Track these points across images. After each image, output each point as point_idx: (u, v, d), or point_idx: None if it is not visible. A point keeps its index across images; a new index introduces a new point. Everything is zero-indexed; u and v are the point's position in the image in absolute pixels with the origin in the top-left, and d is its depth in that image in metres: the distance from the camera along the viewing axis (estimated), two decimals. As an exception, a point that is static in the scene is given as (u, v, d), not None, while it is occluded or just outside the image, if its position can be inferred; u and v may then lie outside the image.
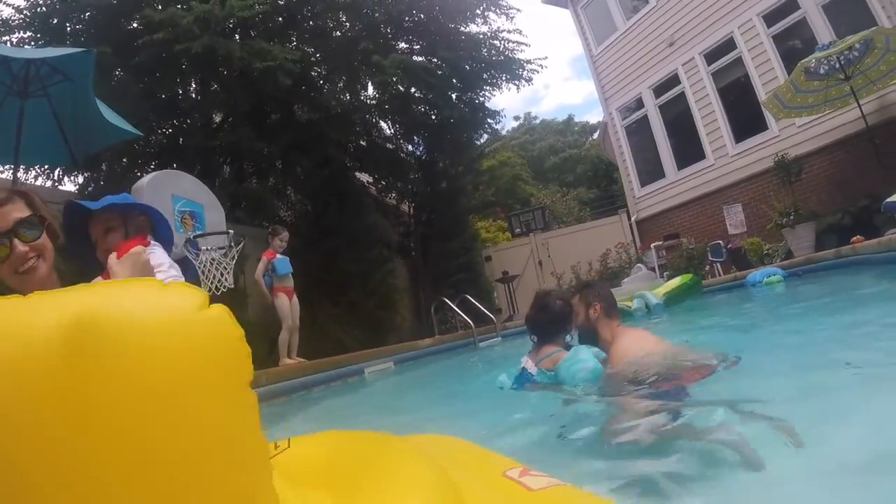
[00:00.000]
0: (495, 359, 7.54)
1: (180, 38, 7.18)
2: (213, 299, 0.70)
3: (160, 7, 7.70)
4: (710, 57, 11.80)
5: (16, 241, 1.57)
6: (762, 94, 10.28)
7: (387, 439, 0.95)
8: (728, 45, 11.43)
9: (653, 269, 10.75)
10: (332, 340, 8.99)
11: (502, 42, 11.67)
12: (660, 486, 1.44)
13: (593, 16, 14.58)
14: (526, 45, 12.05)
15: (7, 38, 7.69)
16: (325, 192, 10.77)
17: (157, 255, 1.70)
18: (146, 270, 1.62)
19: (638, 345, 2.61)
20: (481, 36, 11.73)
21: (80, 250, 1.72)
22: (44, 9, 7.91)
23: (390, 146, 13.52)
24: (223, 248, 5.27)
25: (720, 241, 10.57)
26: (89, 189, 8.50)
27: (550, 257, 14.92)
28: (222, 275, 5.06)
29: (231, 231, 5.18)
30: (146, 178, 4.97)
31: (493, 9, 11.61)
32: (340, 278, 10.02)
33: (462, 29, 11.61)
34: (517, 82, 12.11)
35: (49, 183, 8.76)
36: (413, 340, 9.10)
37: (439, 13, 11.24)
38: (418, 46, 11.71)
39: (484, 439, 2.27)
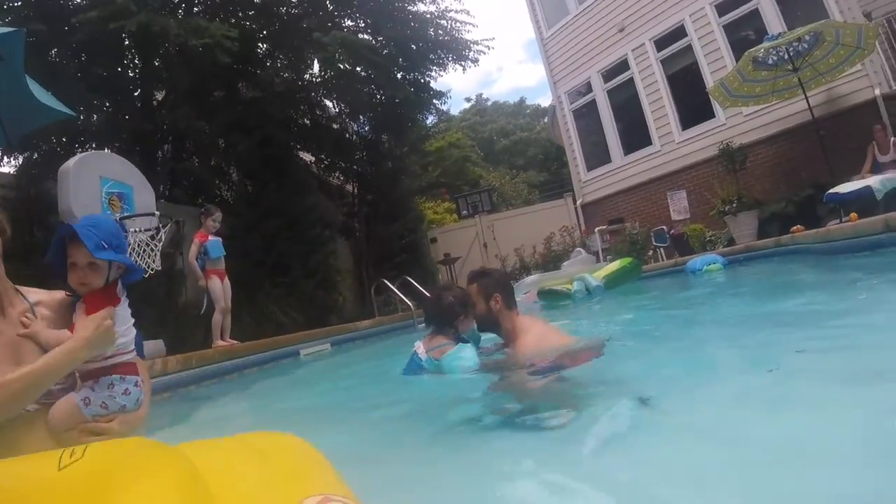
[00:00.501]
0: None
1: (115, 16, 6.96)
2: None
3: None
4: (660, 44, 11.94)
5: None
6: (710, 83, 10.44)
7: (158, 452, 0.92)
8: (678, 32, 11.57)
9: (596, 253, 11.02)
10: (272, 322, 9.00)
11: (450, 22, 11.66)
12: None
13: (546, -2, 14.63)
14: (473, 25, 12.03)
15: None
16: (265, 171, 10.67)
17: (122, 315, 1.71)
18: (108, 337, 1.62)
19: (536, 335, 2.87)
20: (428, 15, 11.68)
21: (61, 271, 1.67)
22: None
23: (335, 126, 13.42)
24: (151, 229, 5.23)
25: (664, 227, 10.80)
26: (33, 172, 8.20)
27: (496, 240, 15.13)
28: (150, 257, 5.02)
29: (157, 213, 5.13)
30: (73, 160, 4.88)
31: (441, -14, 11.63)
32: (280, 259, 10.00)
33: (409, 8, 11.55)
34: (463, 63, 12.15)
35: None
36: (353, 322, 9.19)
37: (387, -9, 11.16)
38: (363, 24, 11.59)
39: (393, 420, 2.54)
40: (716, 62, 10.97)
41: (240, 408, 4.36)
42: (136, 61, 9.61)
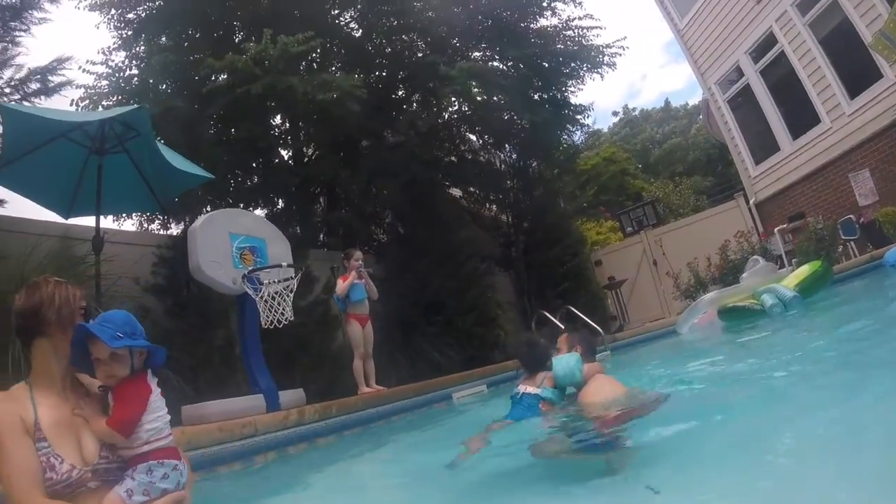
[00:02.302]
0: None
1: (242, 82, 7.39)
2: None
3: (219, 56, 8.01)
4: (804, 6, 10.38)
5: None
6: (868, 37, 8.89)
7: None
8: None
9: (778, 258, 9.61)
10: (428, 363, 8.78)
11: (575, 31, 11.15)
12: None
13: (671, -12, 13.53)
14: (600, 28, 11.38)
15: (101, 104, 8.39)
16: (414, 211, 10.68)
17: (154, 403, 1.82)
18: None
19: (604, 388, 3.11)
20: (551, 29, 11.27)
21: (83, 362, 1.78)
22: (125, 73, 8.70)
23: (481, 158, 13.26)
24: (288, 279, 5.21)
25: (851, 216, 9.21)
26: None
27: (665, 255, 13.74)
28: (282, 307, 4.97)
29: (285, 263, 5.11)
30: (200, 219, 5.06)
31: (558, -2, 11.21)
32: (435, 297, 9.80)
33: (532, 26, 11.24)
34: (599, 70, 11.52)
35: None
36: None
37: (504, 15, 10.96)
38: (489, 53, 11.44)
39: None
40: (868, 12, 9.20)
41: (369, 466, 3.98)
42: (280, 121, 10.24)
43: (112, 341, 1.71)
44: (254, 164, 10.11)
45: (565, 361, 3.25)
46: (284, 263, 5.07)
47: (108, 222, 8.09)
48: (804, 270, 6.90)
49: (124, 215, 8.86)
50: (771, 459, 1.84)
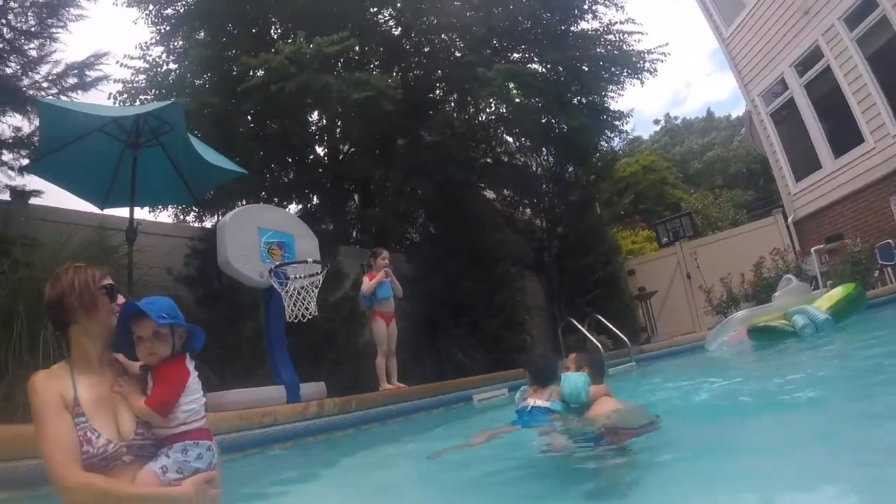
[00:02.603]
0: (626, 388, 6.80)
1: (277, 79, 7.50)
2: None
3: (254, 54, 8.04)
4: (851, 21, 9.97)
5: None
6: None
7: None
8: (869, 4, 9.57)
9: (813, 279, 9.28)
10: (452, 364, 8.80)
11: (616, 35, 11.01)
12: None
13: (717, -4, 13.21)
14: (642, 34, 11.24)
15: (139, 98, 8.63)
16: (446, 212, 10.72)
17: (192, 386, 1.87)
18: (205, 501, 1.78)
19: (607, 406, 3.22)
20: (592, 32, 11.15)
21: (123, 341, 1.86)
22: (162, 68, 8.92)
23: (517, 161, 13.21)
24: (314, 275, 5.31)
25: (890, 241, 8.83)
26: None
27: (699, 268, 13.48)
28: (308, 302, 5.07)
29: (310, 259, 5.20)
30: (229, 214, 5.19)
31: (601, 1, 11.07)
32: (463, 299, 9.82)
33: (572, 28, 11.13)
34: (639, 76, 11.34)
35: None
36: (544, 363, 8.52)
37: (545, 16, 10.87)
38: (529, 55, 11.36)
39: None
40: (920, 29, 8.82)
41: (382, 461, 4.03)
42: (317, 118, 10.38)
43: (158, 318, 1.78)
44: (288, 160, 10.26)
45: (574, 380, 3.29)
46: (310, 259, 5.15)
47: (144, 214, 8.32)
48: (837, 293, 6.74)
49: (161, 207, 9.09)
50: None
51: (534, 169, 13.46)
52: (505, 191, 13.40)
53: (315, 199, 11.50)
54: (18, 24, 6.76)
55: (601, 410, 3.14)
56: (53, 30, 6.84)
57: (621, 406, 3.24)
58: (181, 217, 9.82)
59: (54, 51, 6.78)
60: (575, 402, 3.27)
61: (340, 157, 11.12)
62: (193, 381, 1.88)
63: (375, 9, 10.91)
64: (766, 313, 7.16)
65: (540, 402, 3.37)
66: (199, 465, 1.77)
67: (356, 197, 11.87)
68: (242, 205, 9.14)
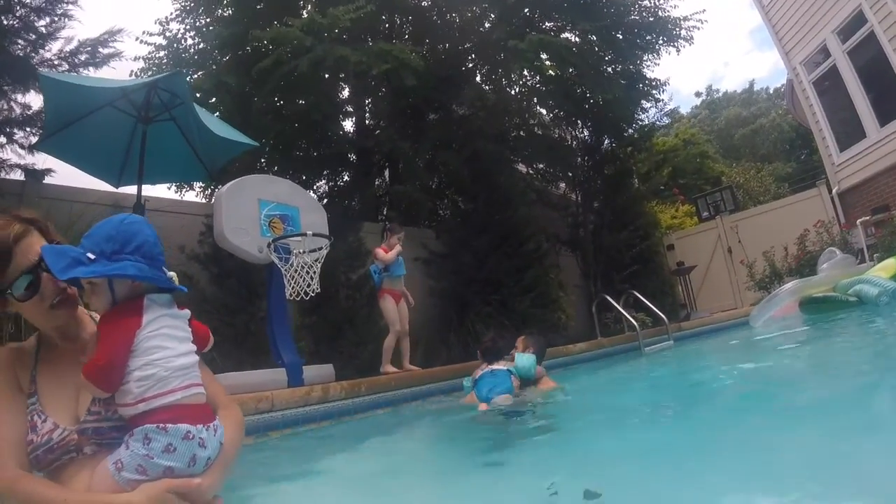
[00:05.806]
0: (658, 368, 6.36)
1: (289, 57, 7.18)
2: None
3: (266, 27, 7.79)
4: None
5: (45, 274, 1.37)
6: None
7: None
8: None
9: (859, 252, 8.80)
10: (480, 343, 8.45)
11: (651, 1, 10.48)
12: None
13: (757, -39, 12.39)
14: (678, -1, 10.52)
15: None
16: (475, 187, 10.31)
17: (151, 341, 1.35)
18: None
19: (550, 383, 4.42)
20: (628, -1, 10.59)
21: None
22: (182, 43, 8.71)
23: (552, 133, 12.68)
24: (317, 250, 5.00)
25: None
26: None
27: (741, 242, 12.86)
28: (311, 279, 4.77)
29: (310, 232, 4.86)
30: (227, 185, 4.89)
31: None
32: (491, 275, 9.43)
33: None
34: (675, 43, 10.80)
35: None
36: (579, 342, 8.09)
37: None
38: (561, 24, 10.80)
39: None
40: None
41: (388, 447, 3.74)
42: (346, 93, 10.06)
43: (63, 273, 1.25)
44: (315, 136, 10.01)
45: (527, 358, 4.34)
46: (310, 233, 4.83)
47: (162, 190, 8.23)
48: (891, 263, 6.23)
49: (186, 186, 8.98)
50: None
51: (568, 142, 12.91)
52: (539, 164, 12.90)
53: (345, 177, 11.28)
54: (30, 1, 6.64)
55: (545, 387, 4.30)
56: (66, 4, 6.70)
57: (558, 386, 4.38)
58: (203, 194, 9.73)
59: (63, 27, 6.67)
60: (524, 377, 4.25)
61: (368, 134, 10.81)
62: (151, 333, 1.32)
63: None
64: (817, 285, 6.76)
65: (501, 366, 4.23)
66: (169, 462, 1.23)
67: (386, 174, 11.57)
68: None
